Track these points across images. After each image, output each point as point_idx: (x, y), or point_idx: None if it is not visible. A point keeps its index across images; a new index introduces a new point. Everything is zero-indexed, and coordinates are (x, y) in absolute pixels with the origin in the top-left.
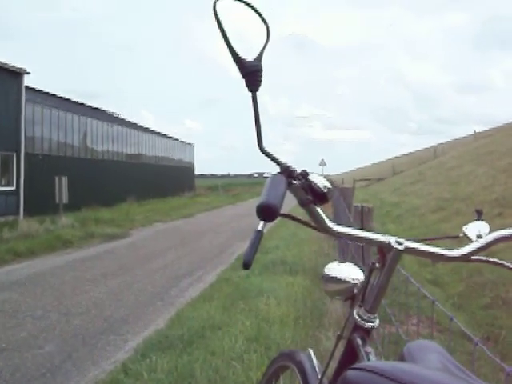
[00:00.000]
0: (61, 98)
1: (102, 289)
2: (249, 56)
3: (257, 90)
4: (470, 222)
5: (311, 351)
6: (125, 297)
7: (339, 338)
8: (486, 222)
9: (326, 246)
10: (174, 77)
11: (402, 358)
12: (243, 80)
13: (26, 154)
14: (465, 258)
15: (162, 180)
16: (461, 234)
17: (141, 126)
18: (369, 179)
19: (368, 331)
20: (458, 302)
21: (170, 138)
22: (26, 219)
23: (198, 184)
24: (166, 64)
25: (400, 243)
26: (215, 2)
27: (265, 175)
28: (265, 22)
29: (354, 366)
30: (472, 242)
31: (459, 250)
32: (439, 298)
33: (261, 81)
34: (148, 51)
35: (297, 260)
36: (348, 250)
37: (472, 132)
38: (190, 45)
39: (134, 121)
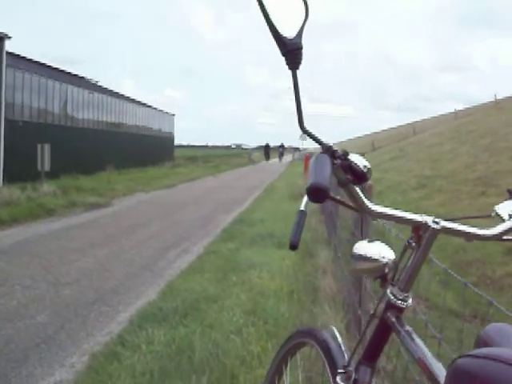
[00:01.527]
0: (42, 64)
1: (90, 259)
2: (287, 33)
3: (297, 68)
4: (502, 202)
5: (335, 329)
6: (113, 267)
7: (372, 316)
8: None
9: (313, 221)
10: (157, 46)
11: (481, 343)
12: (283, 58)
13: (6, 119)
14: (497, 237)
15: (141, 149)
16: (493, 214)
17: (122, 95)
18: None
19: (402, 310)
20: (445, 279)
21: (151, 107)
22: (7, 186)
23: (176, 154)
24: (148, 33)
25: (437, 223)
26: None
27: (243, 147)
28: None
29: (466, 353)
30: (504, 221)
31: (492, 230)
32: (425, 275)
33: (301, 59)
34: (132, 20)
35: (284, 234)
36: (334, 226)
37: (452, 110)
38: (174, 14)
39: (115, 89)
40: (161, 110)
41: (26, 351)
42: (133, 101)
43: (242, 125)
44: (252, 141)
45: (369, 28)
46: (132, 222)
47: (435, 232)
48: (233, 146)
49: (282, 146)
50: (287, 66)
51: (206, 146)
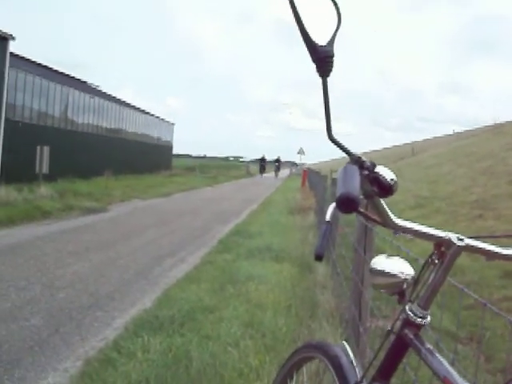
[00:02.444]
0: (44, 66)
1: (85, 263)
2: (319, 40)
3: (328, 75)
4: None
5: (346, 344)
6: (108, 273)
7: (389, 333)
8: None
9: (310, 235)
10: (160, 55)
11: None
12: (314, 65)
13: (7, 120)
14: None
15: (139, 157)
16: None
17: (123, 101)
18: None
19: (420, 327)
20: (441, 300)
21: (152, 115)
22: (4, 186)
23: (174, 163)
24: (153, 41)
25: (461, 240)
26: None
27: (241, 159)
28: (336, 6)
29: None
30: None
31: None
32: None
33: (332, 66)
34: (136, 27)
35: (282, 247)
36: (333, 241)
37: (451, 132)
38: (179, 26)
39: (116, 94)
40: (161, 119)
41: (19, 354)
42: (133, 107)
43: (241, 137)
44: (250, 153)
45: (371, 46)
46: (128, 228)
47: (459, 249)
48: (231, 158)
49: (278, 161)
50: (317, 73)
51: (204, 157)
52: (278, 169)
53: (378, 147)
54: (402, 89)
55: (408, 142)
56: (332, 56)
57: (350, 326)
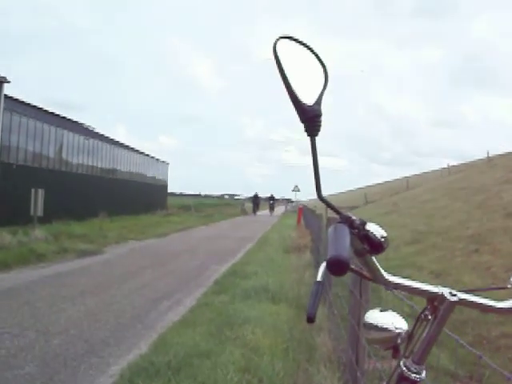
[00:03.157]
0: (39, 108)
1: (80, 307)
2: (307, 100)
3: (316, 135)
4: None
5: None
6: (104, 317)
7: None
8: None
9: (307, 274)
10: (152, 94)
11: None
12: (302, 125)
13: (1, 162)
14: None
15: (134, 197)
16: (509, 285)
17: (117, 141)
18: (341, 207)
19: (416, 383)
20: (440, 338)
21: (146, 155)
22: None
23: (169, 202)
24: (145, 81)
25: (453, 294)
26: (276, 42)
27: (236, 197)
28: (322, 64)
29: None
30: None
31: (509, 302)
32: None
33: (320, 126)
34: (128, 68)
35: (278, 288)
36: (330, 282)
37: (444, 165)
38: (172, 64)
39: (110, 134)
40: (156, 158)
41: None
42: (127, 147)
43: (235, 175)
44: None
45: (362, 83)
46: (124, 270)
47: (452, 304)
48: (226, 196)
49: (272, 198)
50: (306, 133)
51: (198, 195)
52: (272, 206)
53: (372, 182)
54: (394, 125)
55: (402, 176)
56: (320, 115)
57: (347, 370)
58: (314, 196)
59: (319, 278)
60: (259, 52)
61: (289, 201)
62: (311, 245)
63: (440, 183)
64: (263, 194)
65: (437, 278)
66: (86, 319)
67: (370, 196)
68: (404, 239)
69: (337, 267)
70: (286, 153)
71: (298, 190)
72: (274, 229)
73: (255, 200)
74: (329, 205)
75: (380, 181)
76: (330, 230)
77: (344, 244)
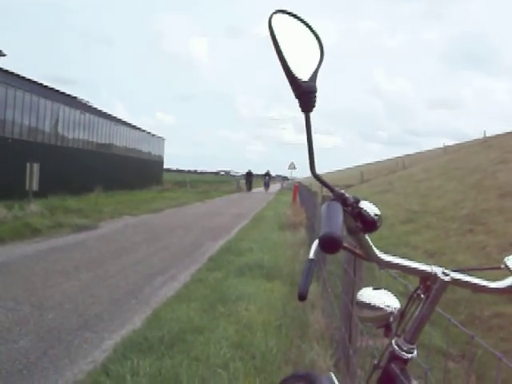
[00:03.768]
0: (34, 82)
1: (75, 282)
2: (302, 75)
3: (311, 110)
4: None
5: (333, 375)
6: (98, 292)
7: (376, 367)
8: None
9: (301, 252)
10: (150, 71)
11: None
12: (296, 100)
13: None
14: (507, 290)
15: (130, 172)
16: (502, 266)
17: (113, 117)
18: (337, 186)
19: (407, 362)
20: (432, 317)
21: (142, 130)
22: None
23: (165, 178)
24: (144, 58)
25: (446, 274)
26: (271, 16)
27: (231, 173)
28: (318, 40)
29: None
30: None
31: (501, 283)
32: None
33: (315, 102)
34: (128, 45)
35: (273, 265)
36: (324, 259)
37: (441, 145)
38: (168, 41)
39: (106, 110)
40: (151, 134)
41: (8, 378)
42: (124, 123)
43: (232, 152)
44: (241, 168)
45: (360, 61)
46: (119, 245)
47: (445, 284)
48: (221, 173)
49: (267, 175)
50: (300, 109)
51: (194, 171)
52: (267, 183)
53: (368, 160)
54: (391, 104)
55: (398, 155)
56: (315, 91)
57: (340, 348)
58: (309, 174)
59: (311, 256)
60: (256, 29)
61: (285, 178)
62: (306, 222)
63: (435, 163)
64: (259, 171)
65: (431, 257)
66: (81, 294)
67: (366, 174)
68: (399, 218)
69: (329, 245)
70: (282, 131)
71: (294, 168)
72: (269, 206)
73: (248, 177)
74: (322, 182)
75: (376, 159)
76: (323, 207)
77: (337, 221)
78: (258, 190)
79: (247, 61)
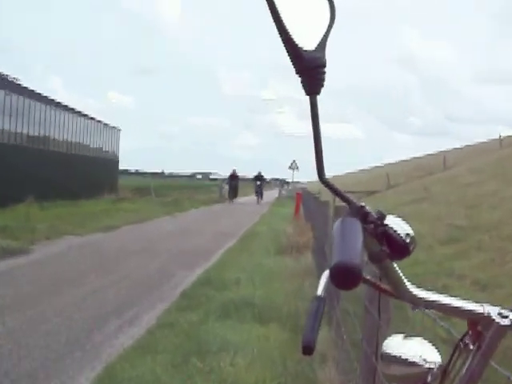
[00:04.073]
0: None
1: None
2: (306, 44)
3: (318, 92)
4: None
5: None
6: (31, 341)
7: None
8: None
9: (306, 284)
10: (101, 35)
11: None
12: (298, 77)
13: None
14: None
15: (73, 175)
16: None
17: (50, 99)
18: (355, 192)
19: None
20: (485, 374)
21: (90, 118)
22: None
23: (121, 183)
24: (88, 19)
25: (504, 316)
26: None
27: (211, 176)
28: None
29: None
30: None
31: None
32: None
33: (324, 80)
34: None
35: (268, 302)
36: (337, 295)
37: (496, 136)
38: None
39: (40, 90)
40: (102, 122)
41: None
42: (64, 108)
43: (212, 146)
44: (225, 169)
45: (385, 22)
46: (58, 276)
47: (502, 329)
48: (198, 176)
49: (260, 178)
50: (304, 90)
51: (161, 174)
52: (259, 190)
53: (397, 158)
54: (426, 79)
55: (437, 150)
56: (323, 65)
57: None
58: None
59: (320, 293)
60: None
61: (284, 182)
62: (313, 244)
63: (488, 160)
64: (250, 172)
65: (483, 290)
66: (7, 344)
67: (394, 177)
68: (439, 237)
69: (344, 278)
70: (280, 116)
71: (297, 168)
72: (263, 220)
73: (232, 181)
74: (334, 190)
75: (407, 156)
76: (336, 225)
77: (355, 246)
78: (247, 199)
79: (232, 20)
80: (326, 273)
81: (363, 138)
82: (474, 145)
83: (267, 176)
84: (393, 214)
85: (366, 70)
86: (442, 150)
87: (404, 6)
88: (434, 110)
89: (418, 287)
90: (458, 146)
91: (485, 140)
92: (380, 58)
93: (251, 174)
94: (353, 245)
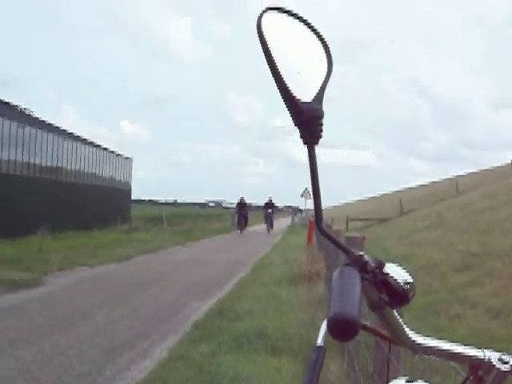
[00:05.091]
0: None
1: (10, 363)
2: (303, 96)
3: (316, 143)
4: None
5: None
6: (43, 375)
7: None
8: None
9: (319, 314)
10: (112, 66)
11: None
12: (297, 128)
13: None
14: None
15: (86, 206)
16: None
17: (62, 130)
18: (367, 219)
19: None
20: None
21: (103, 148)
22: None
23: (134, 213)
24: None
25: (505, 362)
26: (261, 16)
27: (224, 205)
28: (325, 46)
29: None
30: None
31: None
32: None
33: (321, 130)
34: (77, 28)
35: (280, 333)
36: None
37: (509, 161)
38: (135, 24)
39: (52, 121)
40: (115, 152)
41: None
42: (77, 138)
43: (224, 175)
44: (237, 197)
45: (397, 48)
46: (71, 309)
47: (503, 375)
48: (210, 204)
49: (270, 205)
50: (302, 140)
51: (173, 203)
52: (270, 219)
53: (411, 183)
54: (438, 106)
55: (450, 176)
56: (321, 116)
57: None
58: (330, 203)
59: (320, 343)
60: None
61: (296, 210)
62: (326, 273)
63: (502, 185)
64: (262, 200)
65: (496, 318)
66: (18, 378)
67: (406, 203)
68: (452, 264)
69: (341, 330)
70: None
71: (309, 195)
72: (275, 249)
73: (241, 209)
74: (332, 240)
75: (421, 182)
76: (335, 275)
77: (352, 297)
78: (260, 227)
79: (242, 48)
80: (324, 324)
81: (376, 165)
82: (488, 170)
83: (279, 203)
84: (408, 240)
85: (378, 98)
86: (455, 175)
87: (412, 31)
88: (446, 136)
89: (432, 315)
90: (470, 172)
91: (499, 165)
92: (391, 86)
93: (263, 202)
94: (350, 296)
